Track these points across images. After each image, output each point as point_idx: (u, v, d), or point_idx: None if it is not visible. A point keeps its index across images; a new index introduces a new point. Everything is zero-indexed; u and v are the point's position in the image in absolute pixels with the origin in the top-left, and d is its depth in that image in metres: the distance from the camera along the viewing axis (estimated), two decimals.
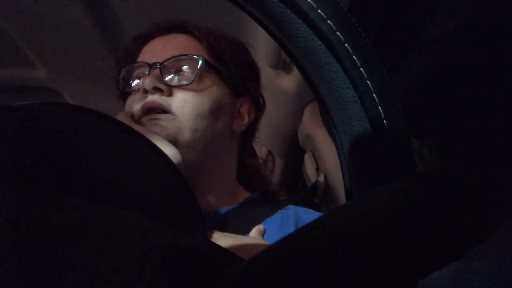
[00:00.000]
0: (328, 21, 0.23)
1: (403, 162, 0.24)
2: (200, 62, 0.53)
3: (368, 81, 0.23)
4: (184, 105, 0.51)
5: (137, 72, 0.56)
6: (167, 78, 0.53)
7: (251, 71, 0.62)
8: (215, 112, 0.53)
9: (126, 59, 0.61)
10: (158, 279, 0.15)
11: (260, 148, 0.98)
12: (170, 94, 0.52)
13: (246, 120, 0.60)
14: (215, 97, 0.54)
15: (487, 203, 0.17)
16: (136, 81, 0.56)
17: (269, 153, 1.07)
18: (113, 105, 0.63)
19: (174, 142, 0.48)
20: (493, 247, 0.15)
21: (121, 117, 0.50)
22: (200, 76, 0.53)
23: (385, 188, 0.19)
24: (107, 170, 0.22)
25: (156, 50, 0.56)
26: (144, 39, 0.59)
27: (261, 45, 0.82)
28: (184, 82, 0.52)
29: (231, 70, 0.57)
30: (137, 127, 0.48)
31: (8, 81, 0.94)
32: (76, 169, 0.20)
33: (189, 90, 0.52)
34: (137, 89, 0.54)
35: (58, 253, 0.14)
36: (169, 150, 0.45)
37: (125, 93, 0.57)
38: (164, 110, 0.51)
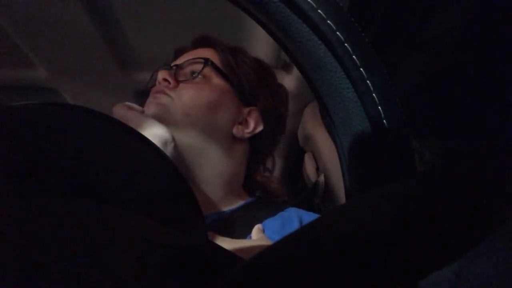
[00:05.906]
0: (328, 21, 0.23)
1: (403, 162, 0.24)
2: (204, 63, 0.59)
3: (368, 81, 0.23)
4: (183, 93, 0.57)
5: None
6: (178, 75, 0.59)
7: (267, 88, 0.66)
8: (211, 107, 0.58)
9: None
10: (158, 279, 0.15)
11: None
12: (176, 87, 0.58)
13: (251, 129, 0.62)
14: (214, 95, 0.58)
15: (487, 202, 0.17)
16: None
17: None
18: (113, 105, 0.63)
19: (164, 119, 0.54)
20: (493, 247, 0.15)
21: (117, 108, 0.54)
22: (205, 76, 0.59)
23: (385, 188, 0.19)
24: (108, 171, 0.22)
25: (181, 59, 0.63)
26: (179, 53, 0.68)
27: (261, 45, 0.82)
28: (188, 77, 0.59)
29: (240, 79, 0.62)
30: (129, 112, 0.52)
31: (8, 81, 0.93)
32: (76, 170, 0.20)
33: (193, 84, 0.58)
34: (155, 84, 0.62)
35: (58, 253, 0.14)
36: (158, 129, 0.49)
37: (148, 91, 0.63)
38: (166, 93, 0.57)
